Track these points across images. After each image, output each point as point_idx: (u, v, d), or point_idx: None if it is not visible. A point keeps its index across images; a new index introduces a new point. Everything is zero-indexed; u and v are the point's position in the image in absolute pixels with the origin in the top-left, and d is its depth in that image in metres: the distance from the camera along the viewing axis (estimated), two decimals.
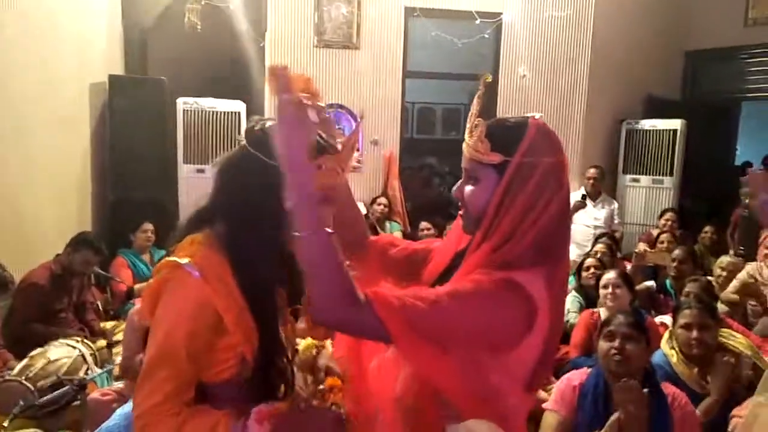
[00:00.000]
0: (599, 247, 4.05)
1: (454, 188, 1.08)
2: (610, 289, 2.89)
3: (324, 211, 0.91)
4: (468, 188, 1.04)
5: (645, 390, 1.85)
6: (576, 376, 2.12)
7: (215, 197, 1.12)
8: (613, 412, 1.88)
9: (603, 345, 2.07)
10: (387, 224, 5.04)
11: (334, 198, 0.94)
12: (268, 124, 1.07)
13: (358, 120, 5.30)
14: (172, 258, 1.04)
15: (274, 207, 1.00)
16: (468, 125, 1.06)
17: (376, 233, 4.58)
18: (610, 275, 2.96)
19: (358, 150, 0.94)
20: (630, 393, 1.82)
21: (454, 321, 0.93)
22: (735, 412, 2.15)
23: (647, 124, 5.66)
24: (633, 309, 2.92)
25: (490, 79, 1.14)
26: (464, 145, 1.05)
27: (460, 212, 1.10)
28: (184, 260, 1.02)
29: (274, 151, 0.97)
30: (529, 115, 1.06)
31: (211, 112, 4.91)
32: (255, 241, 1.05)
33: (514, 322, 0.95)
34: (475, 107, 1.08)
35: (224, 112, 4.93)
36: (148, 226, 4.22)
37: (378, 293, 0.92)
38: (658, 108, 5.90)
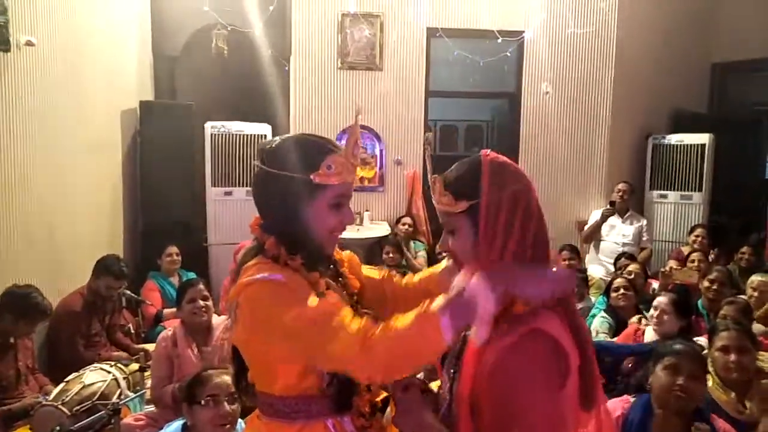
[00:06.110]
0: (633, 267, 3.96)
1: (439, 244, 1.12)
2: (656, 312, 2.86)
3: None
4: (450, 241, 1.08)
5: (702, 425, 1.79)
6: (615, 406, 2.02)
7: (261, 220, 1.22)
8: None
9: (664, 377, 1.94)
10: (412, 244, 5.03)
11: None
12: (276, 141, 1.18)
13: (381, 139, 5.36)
14: (242, 281, 1.09)
15: (298, 207, 1.13)
16: (430, 183, 1.11)
17: (401, 253, 4.66)
18: (662, 299, 2.92)
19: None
20: None
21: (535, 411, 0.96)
22: None
23: (674, 138, 5.58)
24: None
25: (431, 134, 1.20)
26: (434, 202, 1.10)
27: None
28: (258, 275, 1.07)
29: (281, 160, 1.12)
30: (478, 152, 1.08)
31: (238, 136, 5.02)
32: (297, 241, 1.14)
33: (550, 367, 0.98)
34: (429, 165, 1.14)
35: (251, 135, 5.03)
36: (173, 249, 4.27)
37: None
38: (684, 122, 5.81)
